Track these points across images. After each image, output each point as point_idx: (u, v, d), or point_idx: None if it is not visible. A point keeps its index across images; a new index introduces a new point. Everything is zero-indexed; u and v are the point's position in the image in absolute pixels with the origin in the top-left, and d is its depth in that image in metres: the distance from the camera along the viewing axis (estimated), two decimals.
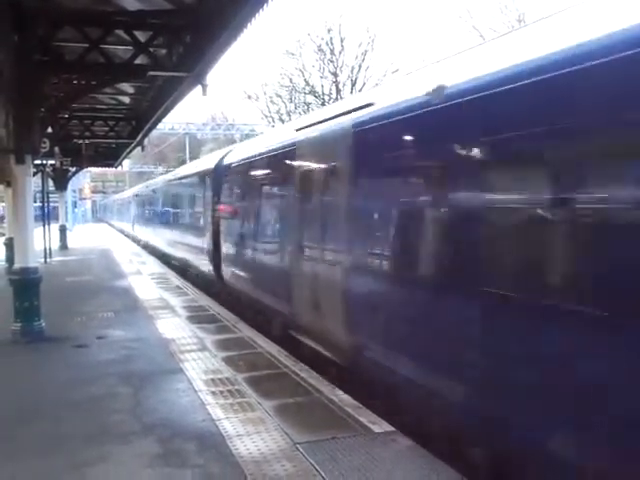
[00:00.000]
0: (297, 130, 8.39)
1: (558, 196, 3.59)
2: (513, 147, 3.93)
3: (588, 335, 3.28)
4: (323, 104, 38.58)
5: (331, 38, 41.20)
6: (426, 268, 4.97)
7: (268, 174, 9.59)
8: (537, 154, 3.74)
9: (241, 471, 4.05)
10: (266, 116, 45.90)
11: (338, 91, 40.77)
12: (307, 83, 43.39)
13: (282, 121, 41.12)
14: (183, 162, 46.44)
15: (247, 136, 43.25)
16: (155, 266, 18.61)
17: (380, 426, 4.79)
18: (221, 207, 12.37)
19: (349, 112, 6.54)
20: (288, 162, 8.34)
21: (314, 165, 7.41)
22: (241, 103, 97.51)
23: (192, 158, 44.24)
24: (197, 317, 9.67)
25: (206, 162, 15.61)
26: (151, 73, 9.53)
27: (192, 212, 16.00)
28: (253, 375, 6.30)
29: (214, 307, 10.69)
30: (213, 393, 5.73)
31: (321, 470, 4.02)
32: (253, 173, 10.43)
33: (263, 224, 9.60)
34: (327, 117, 7.33)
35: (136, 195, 33.10)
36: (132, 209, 34.55)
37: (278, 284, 8.38)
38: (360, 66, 41.57)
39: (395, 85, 6.96)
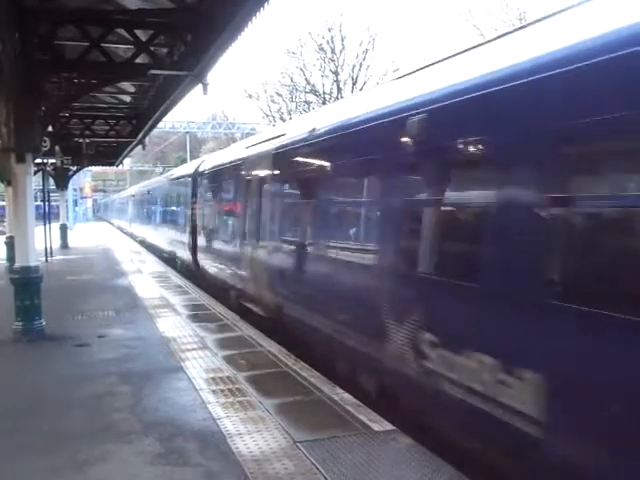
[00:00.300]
0: (246, 148, 11.15)
1: (366, 199, 6.13)
2: (344, 168, 6.63)
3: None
4: (324, 103, 38.57)
5: (332, 37, 41.17)
6: (303, 251, 7.48)
7: (226, 181, 12.34)
8: (351, 174, 6.49)
9: (242, 470, 4.05)
10: (267, 115, 45.89)
11: (339, 90, 40.75)
12: (308, 82, 43.35)
13: (283, 120, 41.07)
14: (184, 161, 46.48)
15: (248, 135, 43.25)
16: (155, 265, 18.61)
17: (380, 425, 4.80)
18: (196, 208, 15.24)
19: (274, 138, 9.26)
20: (238, 172, 11.05)
21: (253, 175, 10.02)
22: (242, 102, 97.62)
23: (193, 157, 44.26)
24: (198, 316, 9.68)
25: (187, 168, 18.51)
26: (152, 72, 9.53)
27: (177, 211, 18.83)
28: (254, 374, 6.30)
29: (215, 306, 10.69)
30: (214, 392, 5.73)
31: (322, 469, 4.02)
32: (217, 180, 13.36)
33: (223, 221, 12.50)
34: (264, 140, 9.99)
35: (132, 195, 36.40)
36: (129, 208, 37.62)
37: (233, 267, 11.01)
38: (361, 65, 41.53)
39: (299, 121, 10.54)
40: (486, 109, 4.22)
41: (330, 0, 66.87)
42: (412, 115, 5.03)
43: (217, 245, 12.58)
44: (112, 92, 14.86)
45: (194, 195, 15.52)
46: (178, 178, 18.97)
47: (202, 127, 49.51)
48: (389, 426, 4.77)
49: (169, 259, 19.52)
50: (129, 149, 23.44)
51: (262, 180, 9.43)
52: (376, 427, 4.75)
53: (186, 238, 16.08)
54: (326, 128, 7.14)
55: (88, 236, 33.28)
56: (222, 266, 12.08)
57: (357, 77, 41.02)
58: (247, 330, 8.52)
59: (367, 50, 40.03)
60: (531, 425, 3.53)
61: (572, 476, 3.36)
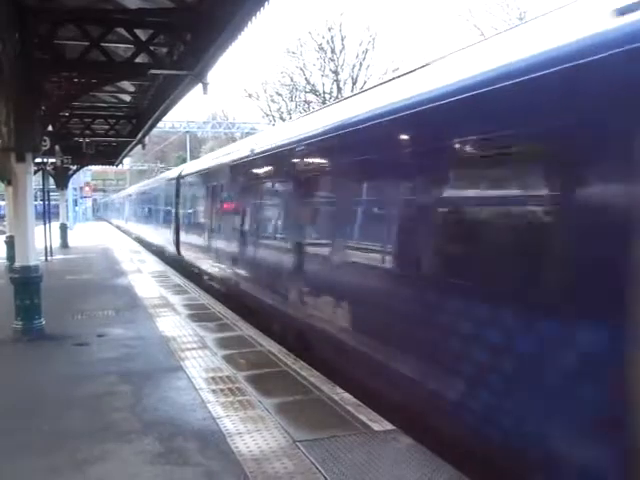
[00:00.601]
0: (212, 159, 14.54)
1: (279, 202, 8.89)
2: (268, 179, 9.47)
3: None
4: (324, 102, 38.59)
5: (332, 37, 41.17)
6: (246, 241, 10.12)
7: (199, 185, 15.17)
8: (272, 184, 9.32)
9: (241, 469, 4.05)
10: (267, 115, 45.86)
11: (339, 90, 40.74)
12: (308, 82, 43.33)
13: (283, 120, 41.08)
14: (184, 160, 46.48)
15: (248, 134, 43.18)
16: (155, 264, 18.61)
17: (380, 424, 4.80)
18: (179, 207, 18.02)
19: (230, 153, 12.37)
20: (206, 178, 14.15)
21: (216, 182, 12.84)
22: (242, 101, 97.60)
23: (193, 157, 44.28)
24: (197, 315, 9.68)
25: (173, 172, 21.41)
26: (152, 71, 9.53)
27: (164, 210, 21.54)
28: (253, 373, 6.30)
29: (214, 305, 10.69)
30: (213, 391, 5.73)
31: (321, 468, 4.02)
32: (193, 184, 16.26)
33: (197, 218, 15.28)
34: (225, 154, 13.18)
35: (129, 195, 40.27)
36: (125, 208, 41.35)
37: (205, 254, 13.77)
38: (361, 64, 41.53)
39: (243, 142, 13.60)
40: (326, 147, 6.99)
41: (330, 0, 66.81)
42: (289, 148, 8.11)
43: (193, 238, 15.53)
44: (112, 91, 14.86)
45: (177, 196, 18.21)
46: (166, 181, 22.08)
47: (202, 127, 49.45)
48: (389, 426, 4.77)
49: (157, 251, 22.68)
50: (129, 148, 23.43)
51: (222, 186, 12.32)
52: (376, 427, 4.75)
53: (171, 235, 19.00)
54: (257, 150, 9.94)
55: (88, 236, 33.27)
56: (196, 255, 15.17)
57: (357, 77, 41.02)
58: (247, 330, 8.52)
59: (367, 50, 40.05)
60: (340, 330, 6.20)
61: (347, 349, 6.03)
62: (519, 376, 3.65)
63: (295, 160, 7.92)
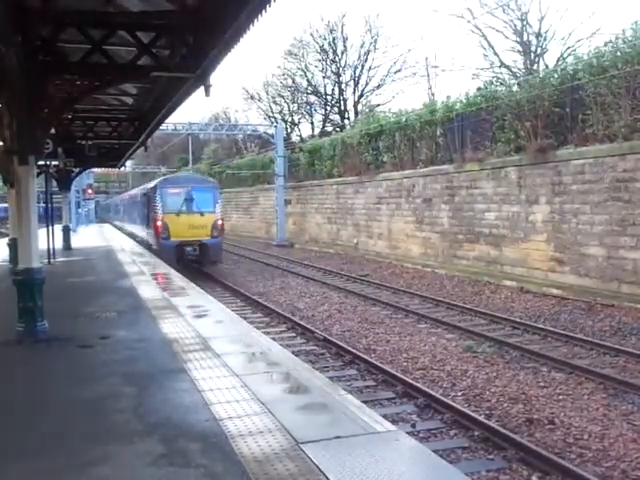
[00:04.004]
0: (130, 192, 45.10)
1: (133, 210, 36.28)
2: (131, 204, 37.15)
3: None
4: (326, 104, 38.66)
5: (333, 39, 41.21)
6: (132, 219, 35.91)
7: (123, 203, 44.31)
8: (132, 205, 36.50)
9: (244, 471, 4.06)
10: (269, 116, 45.91)
11: (341, 91, 40.78)
12: (310, 83, 43.37)
13: (285, 122, 41.19)
14: (186, 162, 46.71)
15: (249, 136, 43.15)
16: (158, 267, 18.61)
17: (383, 425, 4.80)
18: (121, 211, 45.76)
19: (121, 196, 53.61)
20: (129, 198, 38.46)
21: (127, 202, 40.10)
22: (244, 103, 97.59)
23: (195, 158, 44.38)
24: (200, 317, 9.68)
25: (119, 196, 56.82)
26: (154, 74, 9.54)
27: (118, 211, 48.69)
28: (257, 374, 6.30)
29: (218, 307, 10.70)
30: (216, 393, 5.73)
31: (324, 470, 4.02)
32: (121, 202, 47.38)
33: (124, 216, 41.84)
34: (121, 196, 53.41)
35: (113, 203, 63.10)
36: (111, 210, 62.18)
37: (125, 224, 40.13)
38: (363, 66, 41.55)
39: (132, 190, 47.01)
40: (134, 198, 33.97)
41: (332, 2, 66.85)
42: (130, 196, 37.82)
43: (126, 221, 38.70)
44: (114, 94, 14.89)
45: (120, 206, 44.98)
46: (115, 200, 55.82)
47: (204, 128, 49.41)
48: (392, 427, 4.77)
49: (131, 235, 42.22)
50: (131, 151, 23.48)
51: (129, 203, 36.32)
52: (379, 428, 4.75)
53: (119, 220, 44.89)
54: (129, 194, 39.98)
55: (90, 238, 33.31)
56: (126, 225, 38.61)
57: (359, 78, 41.01)
58: (249, 330, 8.53)
59: (369, 51, 40.08)
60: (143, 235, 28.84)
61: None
62: (142, 231, 27.08)
63: (127, 200, 38.30)
